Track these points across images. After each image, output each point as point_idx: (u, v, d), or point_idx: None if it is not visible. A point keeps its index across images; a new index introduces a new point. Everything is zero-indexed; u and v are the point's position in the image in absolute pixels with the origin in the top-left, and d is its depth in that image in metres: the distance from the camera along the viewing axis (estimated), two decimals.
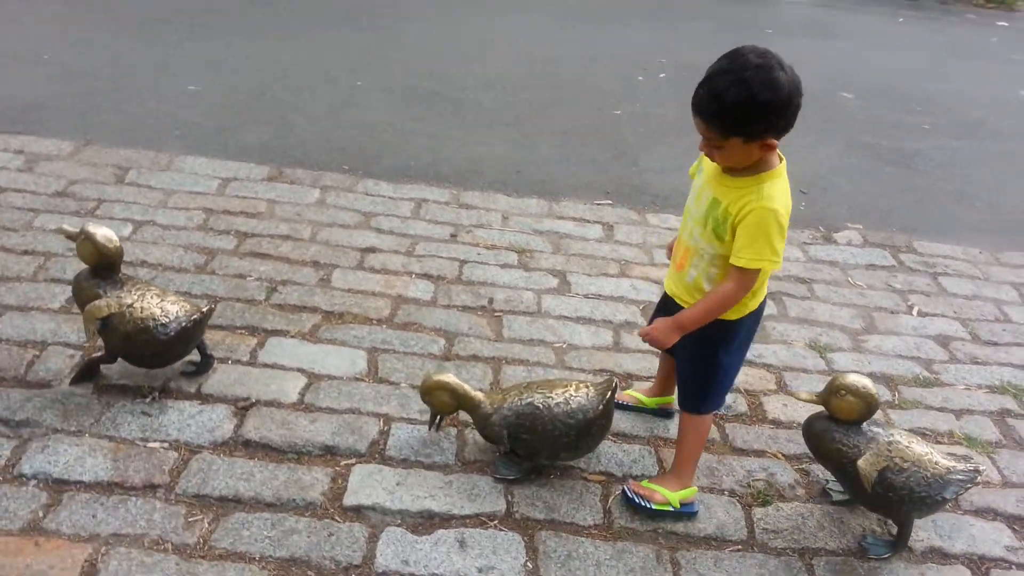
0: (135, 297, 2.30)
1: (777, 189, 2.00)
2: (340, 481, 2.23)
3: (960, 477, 2.09)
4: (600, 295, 3.21)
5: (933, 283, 3.62)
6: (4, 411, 2.30)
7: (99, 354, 2.42)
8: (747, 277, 2.03)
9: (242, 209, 3.49)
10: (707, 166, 2.13)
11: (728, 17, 7.67)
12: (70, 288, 2.44)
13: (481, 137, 4.56)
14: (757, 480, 2.40)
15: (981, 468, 2.15)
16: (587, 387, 2.24)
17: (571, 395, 2.20)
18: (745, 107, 1.88)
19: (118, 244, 2.31)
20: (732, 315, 2.15)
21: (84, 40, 5.23)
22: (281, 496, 2.16)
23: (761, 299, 2.21)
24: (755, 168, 2.01)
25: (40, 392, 2.38)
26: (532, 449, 2.23)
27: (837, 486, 2.36)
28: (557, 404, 2.18)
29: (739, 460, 2.47)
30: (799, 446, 2.52)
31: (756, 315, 2.23)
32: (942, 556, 2.23)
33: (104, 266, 2.31)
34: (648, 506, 2.21)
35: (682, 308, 2.19)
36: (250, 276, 3.05)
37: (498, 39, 6.30)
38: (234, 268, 3.08)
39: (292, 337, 2.75)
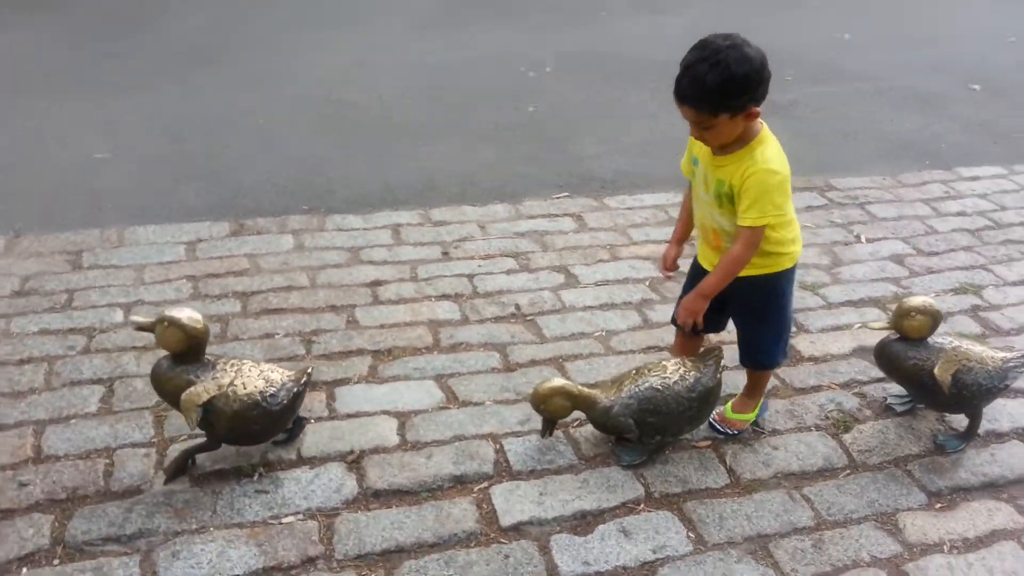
0: (232, 374, 2.20)
1: (769, 152, 2.20)
2: (486, 506, 2.26)
3: (1014, 364, 2.44)
4: (607, 281, 3.36)
5: (864, 212, 4.06)
6: (109, 528, 2.13)
7: (197, 443, 2.29)
8: (754, 236, 2.21)
9: (226, 270, 3.34)
10: (701, 154, 2.30)
11: (559, 6, 7.99)
12: (105, 386, 2.30)
13: (417, 152, 4.56)
14: (831, 412, 2.66)
15: None
16: (690, 362, 2.40)
17: (683, 372, 2.35)
18: (726, 85, 2.05)
19: (205, 323, 2.19)
20: (788, 263, 2.36)
21: None
22: (441, 534, 2.16)
23: (801, 245, 2.42)
24: (743, 140, 2.19)
25: (136, 499, 2.23)
26: (659, 429, 2.36)
27: (897, 400, 2.67)
28: (675, 382, 2.32)
29: (806, 398, 2.72)
30: (844, 374, 2.83)
31: (794, 269, 2.44)
32: (997, 436, 2.58)
33: (192, 349, 2.18)
34: (733, 432, 2.53)
35: None
36: (277, 334, 2.95)
37: (368, 53, 6.25)
38: (255, 329, 2.97)
39: (356, 383, 2.70)
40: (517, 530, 2.19)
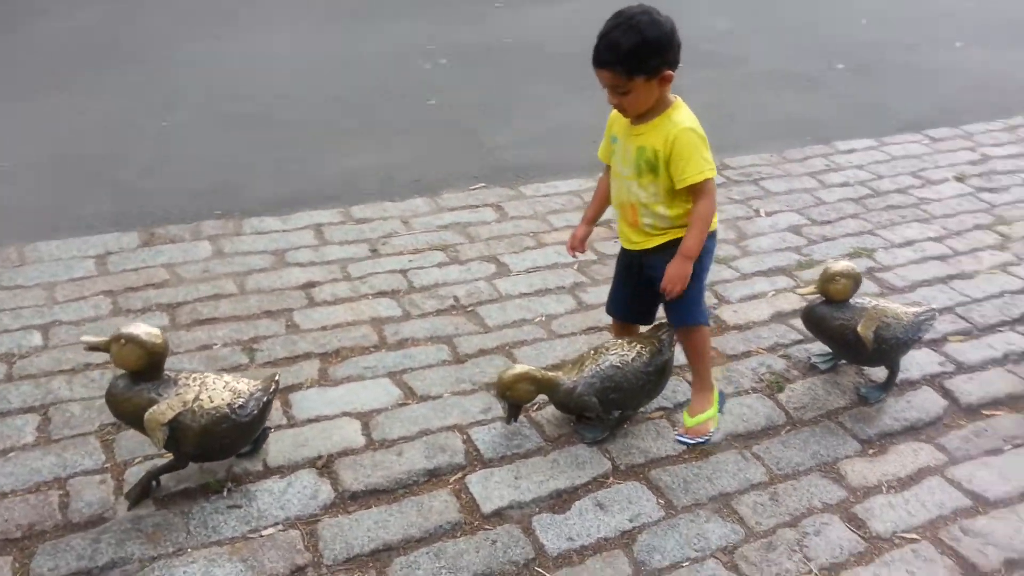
0: (196, 388, 2.13)
1: (684, 114, 2.34)
2: (464, 495, 2.30)
3: (924, 317, 2.70)
4: (537, 267, 3.45)
5: (759, 188, 4.33)
6: (78, 562, 2.03)
7: (162, 463, 2.20)
8: (707, 188, 2.32)
9: (144, 282, 3.20)
10: (619, 129, 2.43)
11: (429, 11, 8.00)
12: (39, 414, 2.20)
13: (328, 150, 4.50)
14: (763, 375, 2.85)
15: (934, 307, 2.79)
16: (642, 341, 2.51)
17: (640, 348, 2.46)
18: (640, 47, 2.20)
19: (164, 338, 2.11)
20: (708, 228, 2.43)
21: None
22: (426, 528, 2.19)
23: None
24: (658, 108, 2.33)
25: (101, 528, 2.13)
26: (620, 405, 2.47)
27: (820, 358, 2.90)
28: (633, 359, 2.43)
29: (739, 364, 2.90)
30: (767, 339, 3.04)
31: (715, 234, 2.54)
32: (910, 384, 2.84)
33: (152, 366, 2.10)
34: (706, 439, 2.51)
35: (643, 255, 2.48)
36: (214, 344, 2.86)
37: (265, 50, 6.08)
38: (190, 342, 2.87)
39: (309, 388, 2.67)
40: (499, 515, 2.25)
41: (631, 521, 2.25)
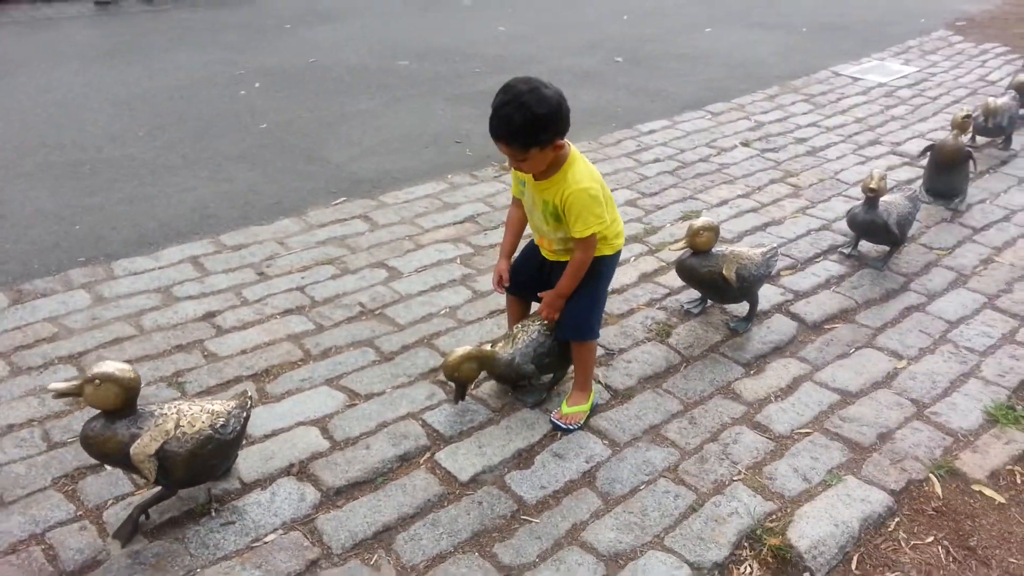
0: (175, 416, 2.17)
1: (579, 172, 2.52)
2: (439, 471, 2.50)
3: (770, 255, 3.24)
4: (424, 267, 3.67)
5: None
6: None
7: (150, 496, 2.20)
8: (588, 243, 2.56)
9: (33, 339, 3.06)
10: (529, 183, 2.66)
11: (243, 24, 7.88)
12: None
13: (173, 184, 4.41)
14: (651, 326, 3.28)
15: (774, 245, 3.35)
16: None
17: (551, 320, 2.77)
18: (531, 124, 2.35)
19: (135, 372, 2.12)
20: (609, 251, 2.68)
21: None
22: (416, 504, 2.38)
23: (623, 239, 2.83)
24: (555, 165, 2.51)
25: (102, 570, 2.14)
26: (552, 368, 2.77)
27: (691, 304, 3.38)
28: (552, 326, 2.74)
29: (628, 320, 3.31)
30: (642, 297, 3.48)
31: (618, 255, 2.84)
32: (765, 314, 3.39)
33: (129, 402, 2.11)
34: (575, 427, 2.71)
35: (554, 263, 2.75)
36: None
37: (63, 91, 5.72)
38: None
39: (254, 408, 2.72)
40: (476, 481, 2.48)
41: (587, 463, 2.57)
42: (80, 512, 2.30)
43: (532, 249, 2.87)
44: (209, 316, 3.25)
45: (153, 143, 4.97)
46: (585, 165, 2.57)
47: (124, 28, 7.43)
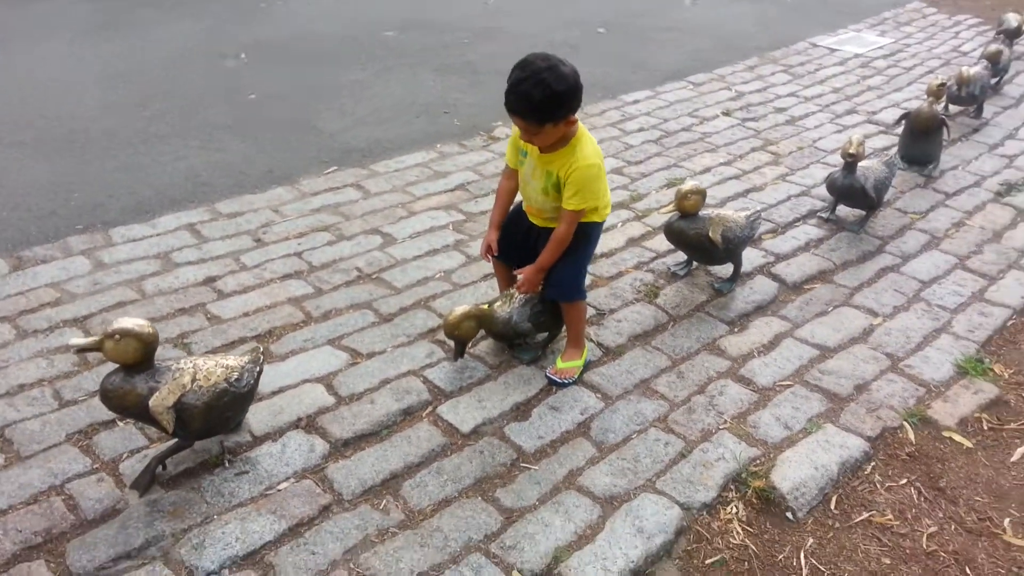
0: (191, 371, 2.26)
1: (588, 148, 2.62)
2: (441, 423, 2.62)
3: (753, 217, 3.37)
4: (418, 233, 3.76)
5: None
6: (113, 549, 2.14)
7: (166, 447, 2.30)
8: (575, 216, 2.66)
9: (38, 303, 3.13)
10: (530, 149, 2.70)
11: (209, 8, 7.84)
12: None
13: (167, 154, 4.45)
14: (639, 288, 3.40)
15: (757, 209, 3.48)
16: None
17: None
18: (549, 100, 2.44)
19: (153, 328, 2.21)
20: (597, 218, 2.77)
21: None
22: (421, 454, 2.50)
23: (610, 208, 2.93)
24: (565, 139, 2.60)
25: (121, 518, 2.23)
26: (548, 326, 2.89)
27: (677, 266, 3.51)
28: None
29: (617, 282, 3.44)
30: (630, 261, 3.61)
31: (603, 222, 2.92)
32: (748, 275, 3.52)
33: (147, 357, 2.20)
34: (569, 381, 2.83)
35: (542, 229, 2.81)
36: None
37: (55, 68, 5.70)
38: None
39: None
40: (477, 432, 2.60)
41: (582, 414, 2.70)
42: (96, 465, 2.39)
43: (518, 215, 2.92)
44: (210, 281, 3.33)
45: (144, 113, 4.99)
46: (591, 142, 2.67)
47: (114, 2, 7.37)
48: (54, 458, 2.40)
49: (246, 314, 3.12)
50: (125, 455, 2.43)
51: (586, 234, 2.81)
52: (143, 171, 4.26)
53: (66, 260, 3.42)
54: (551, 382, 2.84)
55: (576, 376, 2.86)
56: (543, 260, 2.73)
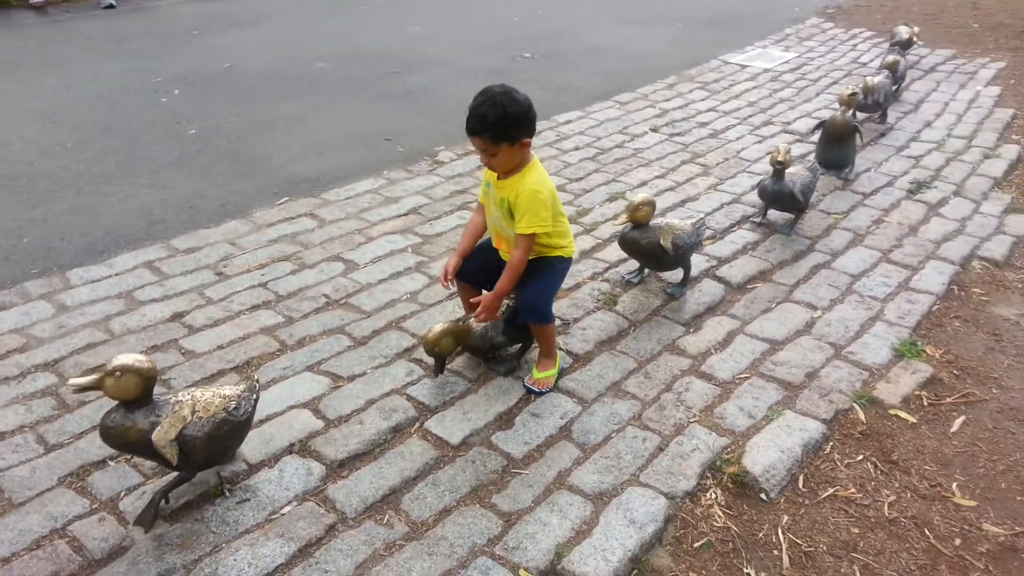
0: (189, 403, 2.30)
1: (536, 176, 2.80)
2: (431, 437, 2.72)
3: (699, 225, 3.59)
4: (379, 258, 3.85)
5: None
6: None
7: (168, 481, 2.33)
8: (528, 241, 2.80)
9: (3, 350, 3.08)
10: (491, 180, 2.91)
11: (146, 33, 7.74)
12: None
13: (113, 194, 4.41)
14: (598, 297, 3.58)
15: (702, 215, 3.70)
16: None
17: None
18: (503, 119, 2.64)
19: (152, 362, 2.25)
20: (564, 254, 2.98)
21: None
22: (416, 468, 2.59)
23: (574, 248, 3.09)
24: (518, 168, 2.79)
25: (129, 558, 2.25)
26: (522, 337, 3.03)
27: (631, 275, 3.71)
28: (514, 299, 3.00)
29: (576, 292, 3.61)
30: (586, 272, 3.78)
31: (571, 261, 3.09)
32: (696, 279, 3.75)
33: (148, 392, 2.24)
34: (546, 391, 2.97)
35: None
36: None
37: None
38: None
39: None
40: (466, 443, 2.71)
41: (562, 419, 2.85)
42: (95, 505, 2.40)
43: (486, 244, 3.07)
44: (178, 316, 3.34)
45: (84, 153, 4.94)
46: (541, 173, 2.85)
47: (23, 40, 7.23)
48: (50, 502, 2.40)
49: (220, 347, 3.15)
50: (123, 493, 2.44)
51: (552, 266, 2.97)
52: (92, 211, 4.22)
53: (26, 305, 3.38)
54: (529, 391, 2.97)
55: (552, 384, 3.00)
56: (500, 287, 2.86)
